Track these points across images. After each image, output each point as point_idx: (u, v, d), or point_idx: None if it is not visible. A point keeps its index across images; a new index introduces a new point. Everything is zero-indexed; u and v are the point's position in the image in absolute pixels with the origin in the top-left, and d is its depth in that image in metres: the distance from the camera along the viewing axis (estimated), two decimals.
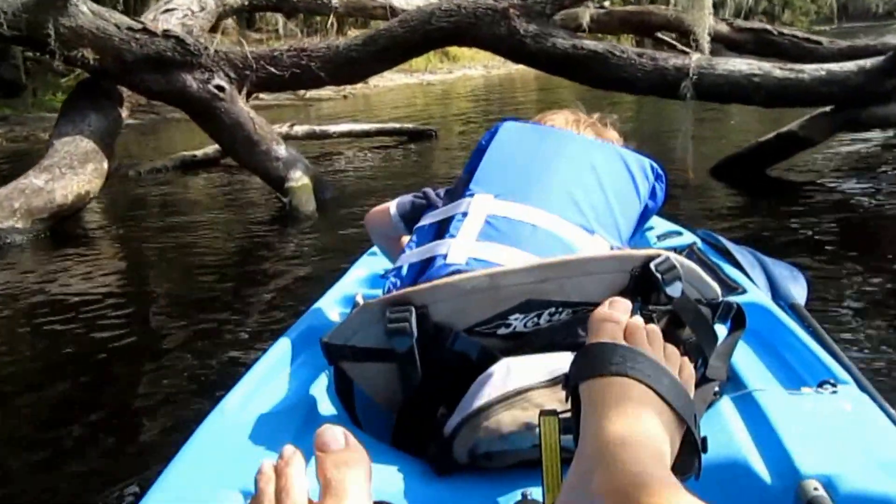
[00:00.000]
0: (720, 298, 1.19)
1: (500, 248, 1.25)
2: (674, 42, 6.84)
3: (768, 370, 1.33)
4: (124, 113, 5.60)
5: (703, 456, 0.70)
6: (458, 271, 1.20)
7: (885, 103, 4.30)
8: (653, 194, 1.44)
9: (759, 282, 1.90)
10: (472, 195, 1.35)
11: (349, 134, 8.40)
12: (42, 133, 10.20)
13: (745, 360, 1.35)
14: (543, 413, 0.84)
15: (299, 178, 5.00)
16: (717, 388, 1.17)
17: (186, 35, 5.19)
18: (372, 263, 2.14)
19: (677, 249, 1.84)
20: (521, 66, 5.36)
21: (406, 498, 1.01)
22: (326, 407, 1.28)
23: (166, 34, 5.06)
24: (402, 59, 5.42)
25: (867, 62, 4.31)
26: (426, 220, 1.43)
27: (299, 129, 8.06)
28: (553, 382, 1.03)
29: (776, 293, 1.92)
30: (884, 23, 28.38)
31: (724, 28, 6.20)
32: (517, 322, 1.15)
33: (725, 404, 1.15)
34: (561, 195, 1.32)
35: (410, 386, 1.16)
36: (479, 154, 1.44)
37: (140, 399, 2.44)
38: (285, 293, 3.41)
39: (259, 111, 13.26)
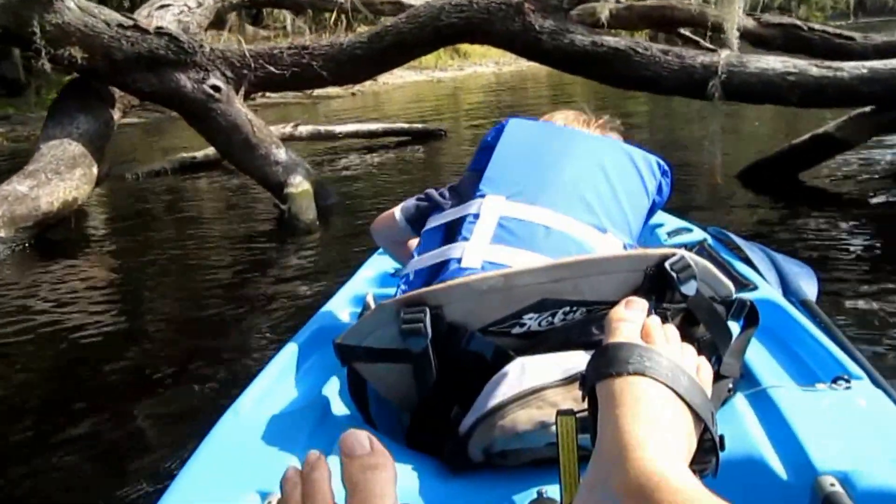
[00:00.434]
0: (734, 296, 1.19)
1: (514, 252, 1.25)
2: (696, 38, 6.50)
3: (781, 367, 1.32)
4: (116, 114, 5.31)
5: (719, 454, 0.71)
6: (466, 276, 1.19)
7: None
8: (659, 190, 1.45)
9: (770, 278, 1.90)
10: (482, 196, 1.34)
11: (355, 134, 8.09)
12: None
13: (759, 356, 1.35)
14: (560, 413, 0.83)
15: (299, 184, 4.70)
16: (730, 385, 1.17)
17: (180, 32, 4.90)
18: (381, 263, 2.12)
19: (688, 246, 1.82)
20: (532, 63, 5.05)
21: (422, 497, 1.01)
22: (340, 407, 1.28)
23: (159, 31, 4.77)
24: (410, 58, 5.10)
25: None
26: (434, 223, 1.41)
27: (304, 130, 7.77)
28: (568, 381, 1.04)
29: (787, 289, 1.90)
30: None
31: (750, 23, 5.83)
32: (531, 321, 1.15)
33: (739, 401, 1.16)
34: (572, 195, 1.32)
35: (425, 386, 1.16)
36: (485, 152, 1.43)
37: (138, 408, 2.38)
38: (279, 307, 3.19)
39: (266, 109, 13.18)
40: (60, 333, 3.10)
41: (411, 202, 1.56)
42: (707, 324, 1.15)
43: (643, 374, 0.64)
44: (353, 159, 7.43)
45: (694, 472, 0.58)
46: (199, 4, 5.78)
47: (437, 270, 1.28)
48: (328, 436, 1.14)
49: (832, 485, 0.91)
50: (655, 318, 0.72)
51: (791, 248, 3.33)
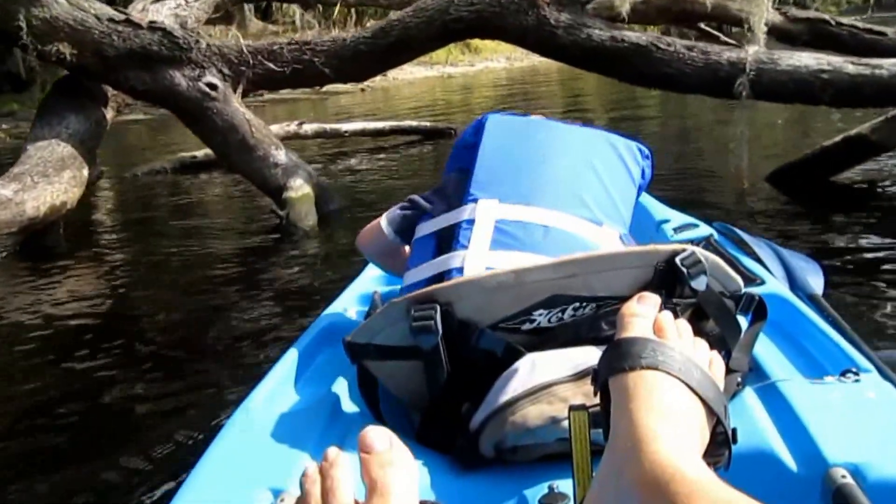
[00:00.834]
0: (742, 291, 1.18)
1: (516, 256, 1.25)
2: (715, 33, 6.20)
3: (790, 360, 1.32)
4: (109, 114, 5.06)
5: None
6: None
7: None
8: (642, 175, 1.46)
9: (776, 273, 1.90)
10: (475, 200, 1.33)
11: (362, 133, 7.80)
12: None
13: (767, 350, 1.34)
14: (573, 408, 0.82)
15: (300, 188, 4.44)
16: (739, 380, 1.17)
17: (175, 27, 4.65)
18: None
19: (694, 241, 1.80)
20: (544, 58, 4.79)
21: (433, 493, 1.01)
22: (349, 405, 1.28)
23: (152, 26, 4.52)
24: (417, 54, 4.83)
25: None
26: (425, 230, 1.40)
27: (308, 128, 7.50)
28: (578, 377, 1.04)
29: (794, 284, 1.91)
30: None
31: (776, 18, 5.54)
32: (541, 317, 1.15)
33: (748, 395, 1.16)
34: (565, 191, 1.33)
35: (436, 383, 1.16)
36: (467, 150, 1.42)
37: (137, 415, 2.39)
38: (269, 321, 3.01)
39: (274, 105, 12.97)
40: (46, 347, 2.98)
41: (396, 212, 1.54)
42: (717, 319, 1.15)
43: (656, 369, 0.63)
44: (359, 159, 7.18)
45: (707, 464, 0.58)
46: None
47: (439, 281, 1.27)
48: (339, 433, 1.16)
49: (843, 477, 0.90)
50: (668, 313, 0.72)
51: (826, 257, 3.10)
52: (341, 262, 3.64)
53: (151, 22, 4.57)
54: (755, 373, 1.25)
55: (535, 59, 18.90)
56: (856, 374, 1.17)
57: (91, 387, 2.59)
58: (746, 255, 1.92)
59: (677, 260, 1.11)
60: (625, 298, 0.76)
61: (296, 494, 0.63)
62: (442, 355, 1.14)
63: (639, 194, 1.48)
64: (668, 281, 1.11)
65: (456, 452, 1.13)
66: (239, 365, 2.64)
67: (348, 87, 14.44)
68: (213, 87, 4.55)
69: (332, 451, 0.56)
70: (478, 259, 1.26)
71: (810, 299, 1.82)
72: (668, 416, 0.60)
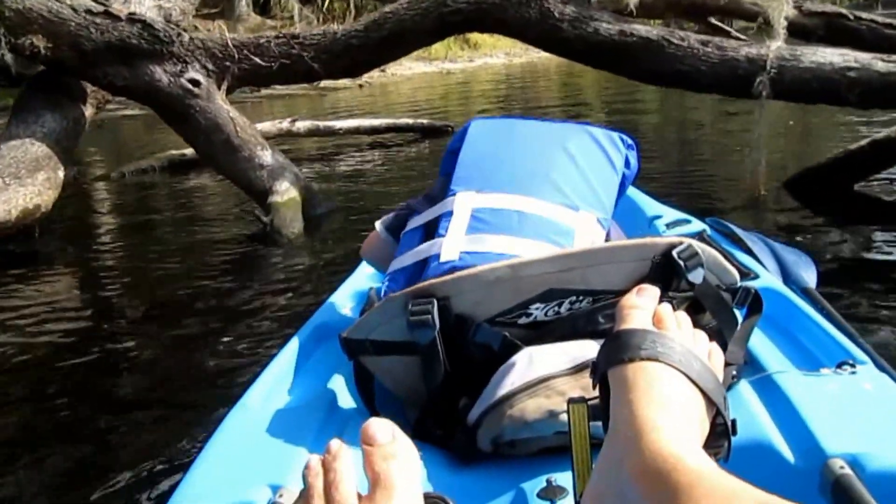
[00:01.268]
0: (738, 284, 1.19)
1: (489, 238, 1.26)
2: (726, 28, 5.93)
3: (785, 353, 1.32)
4: (88, 111, 4.80)
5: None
6: (455, 268, 1.21)
7: None
8: (627, 164, 1.46)
9: (770, 267, 1.90)
10: (454, 194, 1.36)
11: (357, 130, 7.53)
12: None
13: (762, 343, 1.34)
14: (572, 401, 0.81)
15: (286, 191, 4.17)
16: (735, 372, 1.17)
17: (156, 20, 4.38)
18: None
19: (687, 237, 1.72)
20: (543, 53, 4.51)
21: (432, 488, 0.99)
22: (347, 401, 1.29)
23: (131, 18, 4.26)
24: (412, 48, 4.55)
25: None
26: (411, 225, 1.43)
27: (301, 126, 7.26)
28: (576, 370, 1.05)
29: (787, 278, 1.91)
30: None
31: (790, 11, 5.28)
32: (538, 311, 1.15)
33: (745, 387, 1.16)
34: (539, 178, 1.35)
35: (433, 378, 1.15)
36: (452, 156, 1.45)
37: (132, 415, 2.34)
38: (244, 334, 2.82)
39: (272, 100, 12.75)
40: (21, 356, 2.84)
41: (390, 214, 1.58)
42: (714, 311, 1.15)
43: (656, 360, 0.63)
44: (353, 158, 6.91)
45: (707, 455, 0.57)
46: None
47: (420, 269, 1.29)
48: (336, 429, 1.15)
49: (842, 467, 0.90)
50: (667, 306, 0.71)
51: (856, 273, 2.92)
52: (325, 274, 3.38)
53: (131, 14, 4.31)
54: (751, 366, 1.25)
55: (534, 55, 18.76)
56: (852, 365, 1.17)
57: (85, 385, 2.57)
58: (739, 250, 1.91)
59: (674, 253, 1.11)
60: (621, 292, 0.76)
61: (295, 490, 0.62)
62: (439, 350, 1.13)
63: (626, 183, 1.47)
64: (665, 274, 1.11)
65: (454, 447, 1.14)
66: (214, 381, 2.51)
67: (346, 82, 14.28)
68: (195, 83, 4.29)
69: (335, 444, 0.55)
70: (453, 244, 1.27)
71: (804, 292, 1.83)
72: (669, 406, 0.60)
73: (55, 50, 4.18)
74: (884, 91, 3.49)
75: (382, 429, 0.53)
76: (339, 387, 1.32)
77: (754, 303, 1.20)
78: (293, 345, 1.47)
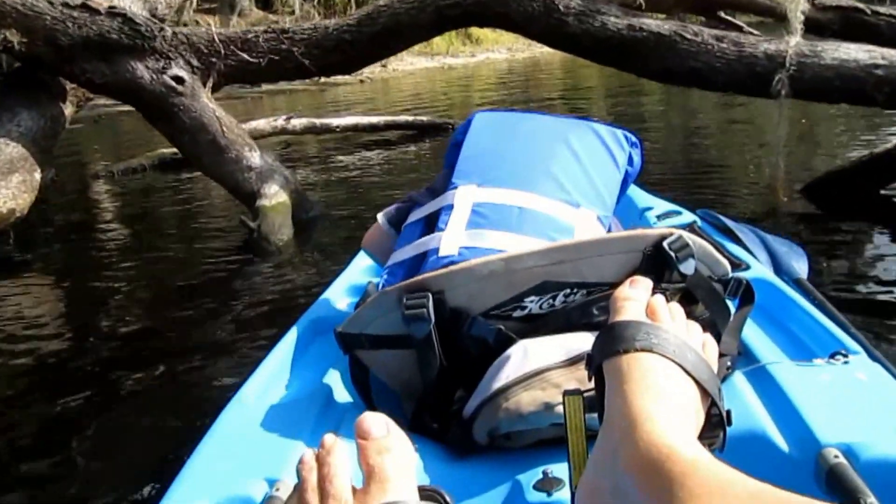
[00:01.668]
0: (730, 275, 1.19)
1: (489, 234, 1.27)
2: (737, 23, 5.69)
3: (778, 344, 1.32)
4: (68, 109, 4.55)
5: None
6: (453, 262, 1.21)
7: None
8: (630, 161, 1.45)
9: (761, 258, 1.90)
10: (455, 187, 1.36)
11: (355, 128, 7.28)
12: None
13: (755, 335, 1.35)
14: (567, 393, 0.81)
15: (275, 195, 3.93)
16: (728, 363, 1.17)
17: (137, 13, 4.14)
18: None
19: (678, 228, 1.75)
20: (546, 48, 4.26)
21: (428, 481, 1.00)
22: (342, 395, 1.30)
23: (111, 11, 4.02)
24: (408, 43, 4.31)
25: None
26: (413, 218, 1.43)
27: (297, 123, 7.01)
28: (571, 362, 1.06)
29: (779, 268, 1.91)
30: None
31: (806, 5, 5.03)
32: (532, 304, 1.15)
33: (739, 378, 1.17)
34: (541, 174, 1.34)
35: (429, 371, 1.16)
36: (455, 148, 1.45)
37: (128, 410, 2.35)
38: (222, 351, 2.69)
39: (272, 96, 12.61)
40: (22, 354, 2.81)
41: (392, 206, 1.57)
42: (706, 302, 1.15)
43: (650, 351, 0.63)
44: (350, 157, 6.66)
45: (702, 446, 0.57)
46: None
47: (418, 262, 1.29)
48: (332, 423, 1.16)
49: (836, 457, 0.90)
50: (660, 297, 0.72)
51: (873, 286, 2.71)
52: (311, 285, 3.15)
53: (111, 7, 4.07)
54: (744, 357, 1.25)
55: (537, 51, 18.55)
56: (845, 355, 1.18)
57: (78, 383, 2.54)
58: (730, 241, 1.91)
59: (665, 244, 1.11)
60: (615, 284, 0.77)
61: (291, 483, 0.63)
62: (435, 343, 1.13)
63: (627, 181, 1.46)
64: (657, 266, 1.11)
65: (450, 440, 1.14)
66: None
67: (347, 78, 14.07)
68: (179, 80, 4.06)
69: (329, 438, 0.55)
70: (452, 239, 1.27)
71: (796, 283, 1.83)
72: (663, 397, 0.59)
73: (30, 45, 3.93)
74: None
75: (377, 423, 0.54)
76: (335, 381, 1.33)
77: (746, 293, 1.20)
78: (289, 339, 1.47)
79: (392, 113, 8.25)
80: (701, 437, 0.62)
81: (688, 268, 1.10)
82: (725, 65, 3.45)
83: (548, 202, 1.30)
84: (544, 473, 0.97)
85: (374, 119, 7.48)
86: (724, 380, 1.15)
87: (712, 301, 1.15)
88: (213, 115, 4.08)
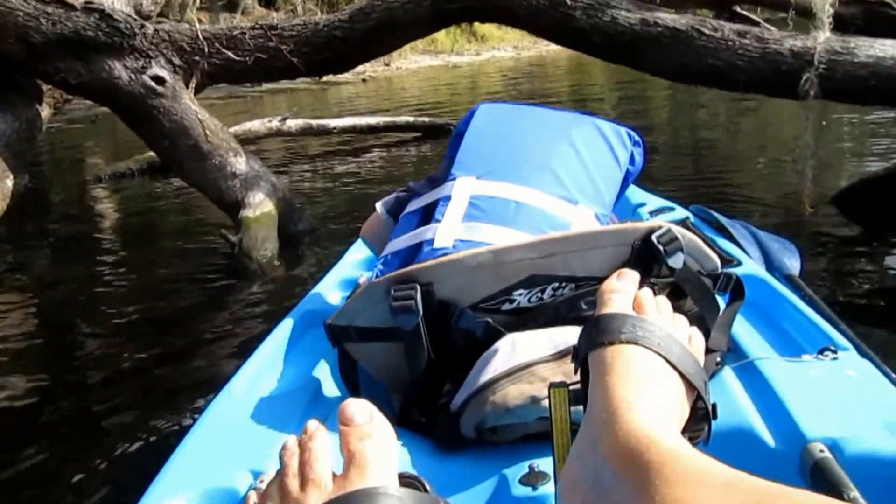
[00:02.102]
0: (720, 270, 1.19)
1: (485, 228, 1.26)
2: (755, 18, 5.41)
3: (768, 340, 1.32)
4: (44, 112, 4.29)
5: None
6: (447, 255, 1.20)
7: None
8: (632, 160, 1.45)
9: (753, 254, 1.90)
10: (454, 179, 1.36)
11: (353, 129, 7.04)
12: None
13: (745, 330, 1.35)
14: (553, 385, 0.81)
15: (260, 204, 3.66)
16: (718, 359, 1.17)
17: (116, 9, 3.87)
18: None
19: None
20: (553, 46, 3.99)
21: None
22: (331, 388, 1.30)
23: (87, 7, 3.75)
24: (404, 40, 4.04)
25: None
26: (410, 208, 1.43)
27: (293, 124, 6.79)
28: (558, 356, 1.05)
29: (770, 265, 1.91)
30: None
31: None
32: (521, 297, 1.15)
33: (727, 374, 1.17)
34: (540, 169, 1.35)
35: (417, 364, 1.15)
36: (458, 139, 1.45)
37: (117, 402, 2.32)
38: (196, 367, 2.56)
39: (273, 95, 12.41)
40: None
41: (391, 195, 1.55)
42: (695, 297, 1.15)
43: (635, 343, 0.63)
44: (345, 160, 6.42)
45: (687, 439, 0.57)
46: None
47: (413, 253, 1.28)
48: (320, 416, 1.06)
49: (821, 451, 0.91)
50: (647, 290, 0.72)
51: None
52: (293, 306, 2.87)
53: (87, 2, 3.80)
54: (734, 352, 1.25)
55: (543, 48, 18.35)
56: (834, 351, 1.18)
57: (68, 381, 2.54)
58: (723, 237, 1.91)
59: (653, 237, 1.10)
60: (604, 278, 0.77)
61: (274, 472, 0.62)
62: (423, 336, 1.12)
63: (628, 179, 1.45)
64: (646, 259, 1.10)
65: (437, 433, 1.13)
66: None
67: (349, 76, 13.92)
68: (160, 80, 3.79)
69: (312, 424, 0.56)
70: (448, 231, 1.27)
71: (787, 279, 1.84)
72: (646, 388, 0.59)
73: (1, 43, 3.69)
74: None
75: (360, 409, 0.55)
76: (325, 374, 1.33)
77: (737, 289, 1.20)
78: (280, 332, 1.46)
79: (394, 112, 8.00)
80: (686, 431, 0.63)
81: (676, 262, 1.10)
82: (748, 63, 3.16)
83: (546, 198, 1.30)
84: (530, 468, 0.97)
85: (372, 120, 7.25)
86: (712, 375, 1.15)
87: (701, 295, 1.15)
88: (196, 117, 3.81)
